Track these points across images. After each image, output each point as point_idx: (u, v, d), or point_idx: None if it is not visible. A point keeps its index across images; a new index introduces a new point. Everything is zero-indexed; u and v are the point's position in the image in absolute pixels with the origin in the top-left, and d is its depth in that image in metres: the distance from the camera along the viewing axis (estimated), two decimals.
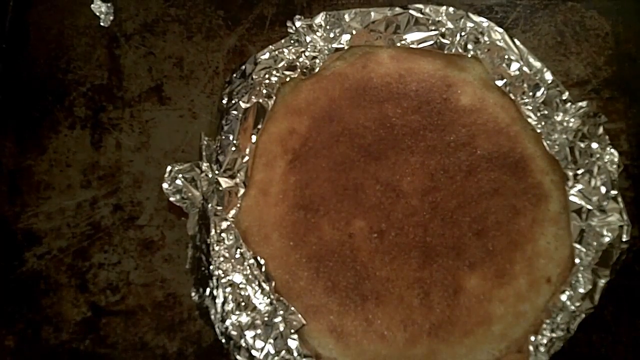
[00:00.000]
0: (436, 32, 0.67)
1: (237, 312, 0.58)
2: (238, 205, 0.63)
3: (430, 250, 0.61)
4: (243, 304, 0.59)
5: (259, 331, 0.58)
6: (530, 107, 0.64)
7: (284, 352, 0.57)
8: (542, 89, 0.64)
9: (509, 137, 0.64)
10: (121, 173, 0.69)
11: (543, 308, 0.58)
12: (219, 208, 0.62)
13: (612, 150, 0.61)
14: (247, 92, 0.65)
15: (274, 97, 0.66)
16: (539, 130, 0.64)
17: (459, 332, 0.58)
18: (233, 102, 0.65)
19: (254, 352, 0.57)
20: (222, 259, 0.60)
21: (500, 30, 0.66)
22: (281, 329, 0.58)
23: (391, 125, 0.65)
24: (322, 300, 0.60)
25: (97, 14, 0.75)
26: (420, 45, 0.68)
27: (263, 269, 0.60)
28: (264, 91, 0.66)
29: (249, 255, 0.60)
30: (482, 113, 0.65)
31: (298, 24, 0.67)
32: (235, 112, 0.65)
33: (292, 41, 0.67)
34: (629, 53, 0.71)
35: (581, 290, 0.57)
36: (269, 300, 0.59)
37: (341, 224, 0.62)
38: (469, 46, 0.67)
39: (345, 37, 0.67)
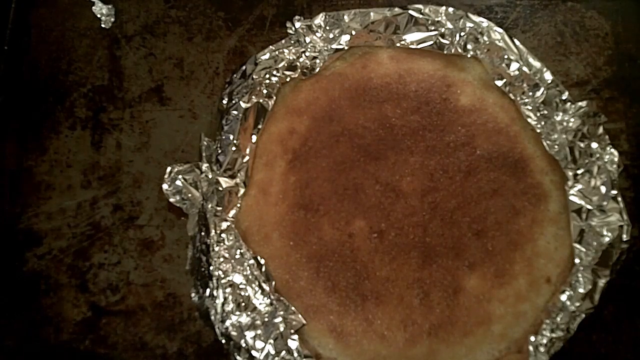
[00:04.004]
0: (436, 32, 0.67)
1: (237, 313, 0.58)
2: (238, 205, 0.63)
3: (429, 250, 0.60)
4: (243, 304, 0.58)
5: (259, 331, 0.58)
6: (529, 107, 0.64)
7: (284, 352, 0.57)
8: (542, 89, 0.64)
9: (509, 137, 0.64)
10: (121, 173, 0.70)
11: (543, 308, 0.58)
12: (218, 208, 0.62)
13: (612, 150, 0.61)
14: (247, 92, 0.66)
15: (274, 97, 0.66)
16: (538, 130, 0.64)
17: (459, 332, 0.58)
18: (233, 102, 0.65)
19: (254, 353, 0.57)
20: (222, 259, 0.60)
21: (500, 30, 0.66)
22: (281, 329, 0.57)
23: (391, 125, 0.65)
24: (322, 300, 0.60)
25: (98, 15, 0.76)
26: (420, 46, 0.68)
27: (263, 269, 0.60)
28: (264, 91, 0.66)
29: (249, 255, 0.60)
30: (482, 113, 0.65)
31: (298, 24, 0.67)
32: (235, 112, 0.65)
33: (292, 42, 0.68)
34: (629, 53, 0.71)
35: (581, 290, 0.57)
36: (269, 300, 0.59)
37: (341, 224, 0.62)
38: (469, 46, 0.67)
39: (345, 38, 0.67)
